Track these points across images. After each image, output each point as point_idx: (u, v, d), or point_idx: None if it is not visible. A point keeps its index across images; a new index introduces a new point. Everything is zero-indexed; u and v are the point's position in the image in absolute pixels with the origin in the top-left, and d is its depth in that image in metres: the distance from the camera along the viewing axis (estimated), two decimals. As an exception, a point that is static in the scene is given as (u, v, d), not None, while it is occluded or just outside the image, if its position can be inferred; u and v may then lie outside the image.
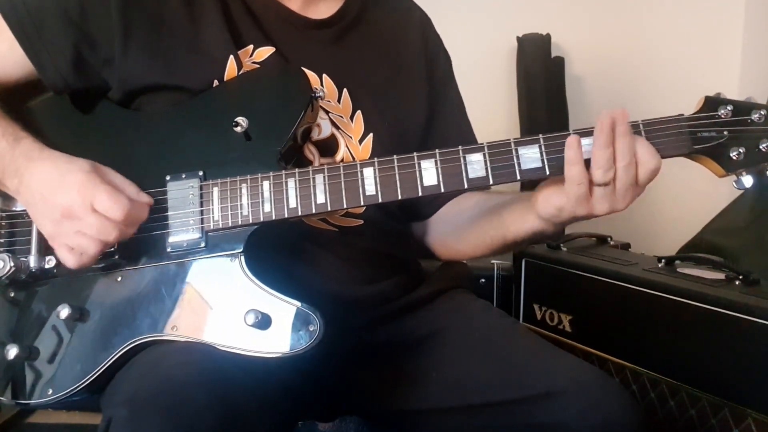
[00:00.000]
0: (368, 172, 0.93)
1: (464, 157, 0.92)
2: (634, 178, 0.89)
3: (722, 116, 0.91)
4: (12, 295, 1.02)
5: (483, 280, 1.77)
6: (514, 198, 1.06)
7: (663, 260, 1.54)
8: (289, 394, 1.00)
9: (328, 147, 1.09)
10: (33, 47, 1.03)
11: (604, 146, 0.87)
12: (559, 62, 2.31)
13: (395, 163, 0.93)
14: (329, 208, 0.94)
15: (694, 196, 2.20)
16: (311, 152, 1.08)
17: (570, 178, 0.89)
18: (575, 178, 0.89)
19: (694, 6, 2.29)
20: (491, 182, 0.92)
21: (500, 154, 0.92)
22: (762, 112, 0.90)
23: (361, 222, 1.08)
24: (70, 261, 0.94)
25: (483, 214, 1.12)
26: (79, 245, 0.93)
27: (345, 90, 1.11)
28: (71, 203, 0.91)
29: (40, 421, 1.81)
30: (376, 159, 0.94)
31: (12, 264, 0.97)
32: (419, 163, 0.93)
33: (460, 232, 1.17)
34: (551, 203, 0.94)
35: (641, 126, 0.91)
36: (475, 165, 0.92)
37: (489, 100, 2.27)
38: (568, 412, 0.93)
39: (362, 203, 0.93)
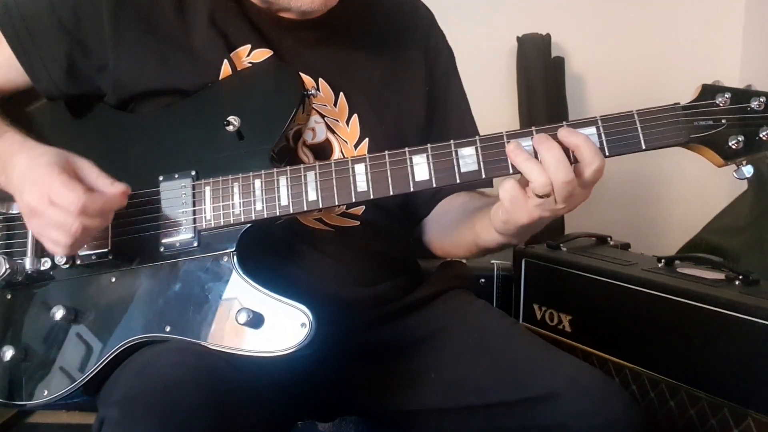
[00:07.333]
0: (360, 169, 0.93)
1: (456, 152, 0.91)
2: (575, 186, 0.87)
3: (720, 104, 0.89)
4: (8, 297, 1.02)
5: (483, 280, 1.76)
6: (488, 204, 1.04)
7: (663, 260, 1.53)
8: (285, 394, 0.99)
9: (323, 151, 1.08)
10: (27, 55, 1.04)
11: (523, 162, 0.87)
12: (559, 62, 2.31)
13: (386, 159, 0.92)
14: (321, 206, 0.94)
15: (694, 196, 2.20)
16: (306, 155, 1.07)
17: (502, 198, 0.90)
18: (506, 195, 0.90)
19: (694, 5, 2.29)
20: (484, 176, 0.91)
21: (493, 147, 0.91)
22: (761, 100, 0.88)
23: (358, 223, 1.08)
24: (55, 250, 0.94)
25: (463, 217, 1.11)
26: (51, 238, 0.92)
27: (341, 93, 1.10)
28: (32, 200, 0.90)
29: (40, 421, 1.81)
30: (367, 155, 0.93)
31: (7, 266, 0.97)
32: (411, 158, 0.92)
33: (446, 233, 1.17)
34: (497, 217, 0.95)
35: (635, 116, 0.89)
36: (468, 159, 0.91)
37: (489, 100, 2.25)
38: (568, 414, 0.92)
39: (354, 200, 0.93)
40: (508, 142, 0.90)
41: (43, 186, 0.90)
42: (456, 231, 1.13)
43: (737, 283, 1.35)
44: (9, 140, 0.99)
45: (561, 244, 1.71)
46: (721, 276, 1.40)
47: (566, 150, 0.87)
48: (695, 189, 2.20)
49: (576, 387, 0.94)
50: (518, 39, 2.29)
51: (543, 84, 2.25)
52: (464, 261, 1.33)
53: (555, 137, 0.88)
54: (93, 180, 0.93)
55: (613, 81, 2.31)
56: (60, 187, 0.89)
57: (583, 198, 0.90)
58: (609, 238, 1.78)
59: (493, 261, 1.78)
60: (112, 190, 0.93)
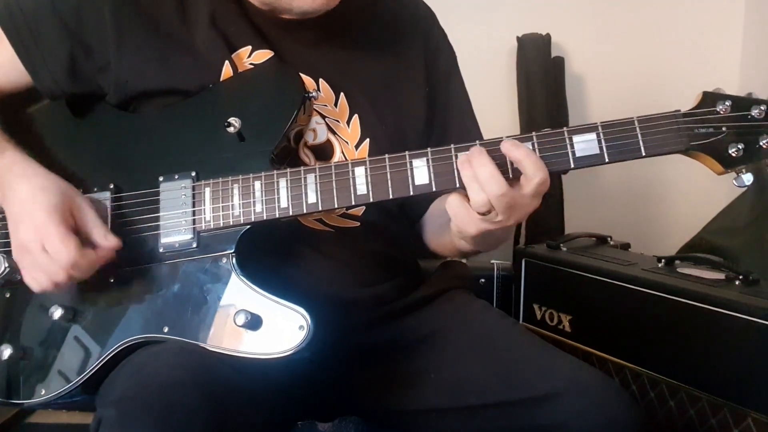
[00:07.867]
0: (359, 171, 0.93)
1: (456, 156, 0.91)
2: (515, 200, 0.88)
3: (721, 112, 0.88)
4: (7, 295, 1.02)
5: (483, 280, 1.77)
6: None
7: (663, 260, 1.53)
8: (285, 394, 0.99)
9: (324, 152, 1.08)
10: (29, 55, 1.04)
11: (468, 180, 0.88)
12: (559, 62, 2.30)
13: (387, 162, 0.92)
14: (320, 208, 0.94)
15: (694, 196, 2.20)
16: (307, 156, 1.07)
17: (449, 212, 0.92)
18: (450, 210, 0.91)
19: (694, 5, 2.29)
20: None
21: (492, 152, 0.90)
22: (762, 108, 0.87)
23: (358, 223, 1.08)
24: (33, 286, 0.95)
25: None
26: (33, 276, 0.94)
27: (342, 94, 1.10)
28: (27, 239, 0.92)
29: (40, 421, 1.81)
30: (367, 158, 0.93)
31: (7, 264, 0.96)
32: (411, 162, 0.92)
33: (437, 233, 1.16)
34: (453, 228, 0.96)
35: (636, 122, 0.89)
36: None
37: (489, 100, 2.24)
38: (568, 414, 0.92)
39: (353, 203, 0.93)
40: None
41: (40, 231, 0.91)
42: (442, 233, 1.13)
43: (737, 283, 1.35)
44: (10, 158, 0.99)
45: (561, 244, 1.71)
46: (721, 276, 1.40)
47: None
48: (695, 189, 2.19)
49: (576, 387, 0.94)
50: (518, 39, 2.29)
51: (543, 84, 2.25)
52: (464, 261, 1.33)
53: (497, 150, 0.89)
54: (88, 229, 0.95)
55: (613, 81, 2.31)
56: (55, 239, 0.91)
57: (532, 208, 0.91)
58: (609, 238, 1.78)
59: (493, 261, 1.78)
60: (105, 244, 0.94)
